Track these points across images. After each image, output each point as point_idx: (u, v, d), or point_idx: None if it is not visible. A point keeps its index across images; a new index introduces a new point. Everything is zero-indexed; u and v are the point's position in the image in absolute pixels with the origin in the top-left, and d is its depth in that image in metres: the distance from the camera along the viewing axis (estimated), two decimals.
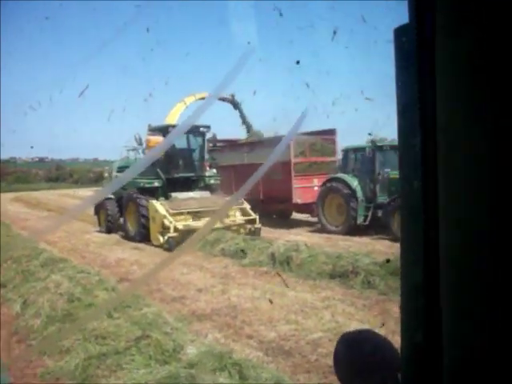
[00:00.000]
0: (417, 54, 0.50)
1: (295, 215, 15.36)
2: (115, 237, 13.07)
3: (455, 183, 0.47)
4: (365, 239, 11.19)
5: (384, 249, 9.44)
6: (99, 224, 14.12)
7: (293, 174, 13.51)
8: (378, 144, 11.92)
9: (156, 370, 3.95)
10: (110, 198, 13.20)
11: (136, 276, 8.26)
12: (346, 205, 12.03)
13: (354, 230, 11.81)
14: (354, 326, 5.22)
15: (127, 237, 12.49)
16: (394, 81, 0.54)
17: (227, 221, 11.46)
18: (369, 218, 11.72)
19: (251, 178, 0.68)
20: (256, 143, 14.97)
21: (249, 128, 17.47)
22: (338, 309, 5.96)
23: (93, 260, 9.87)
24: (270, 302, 6.19)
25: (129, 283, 7.36)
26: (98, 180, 40.97)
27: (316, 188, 13.55)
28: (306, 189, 13.69)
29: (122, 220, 13.23)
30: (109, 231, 13.53)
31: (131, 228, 12.44)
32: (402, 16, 0.52)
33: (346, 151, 13.00)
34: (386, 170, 11.41)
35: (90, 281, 6.98)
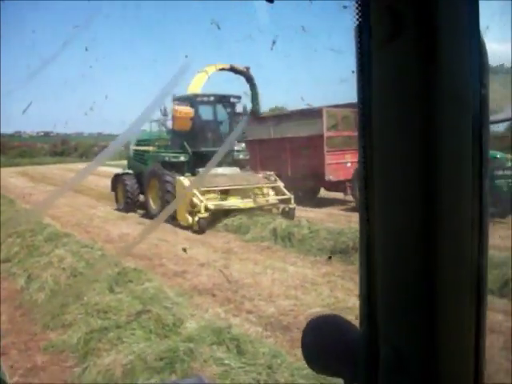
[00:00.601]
0: (358, 62, 0.50)
1: (322, 193, 14.30)
2: (121, 212, 12.52)
3: (388, 184, 0.48)
4: None
5: None
6: (117, 201, 12.91)
7: (325, 149, 12.49)
8: None
9: (156, 344, 4.04)
10: (129, 173, 12.51)
11: (138, 249, 8.33)
12: None
13: None
14: (352, 301, 5.28)
15: (148, 216, 11.34)
16: (334, 87, 0.54)
17: (260, 200, 10.61)
18: None
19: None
20: (282, 116, 13.99)
21: (256, 108, 16.39)
22: (337, 284, 6.02)
23: (97, 235, 9.95)
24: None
25: (130, 257, 7.41)
26: None
27: (349, 164, 12.55)
28: (339, 165, 12.61)
29: (142, 197, 12.15)
30: (127, 209, 12.28)
31: (154, 206, 11.23)
32: (342, 24, 0.52)
33: None
34: None
35: (92, 255, 7.09)
